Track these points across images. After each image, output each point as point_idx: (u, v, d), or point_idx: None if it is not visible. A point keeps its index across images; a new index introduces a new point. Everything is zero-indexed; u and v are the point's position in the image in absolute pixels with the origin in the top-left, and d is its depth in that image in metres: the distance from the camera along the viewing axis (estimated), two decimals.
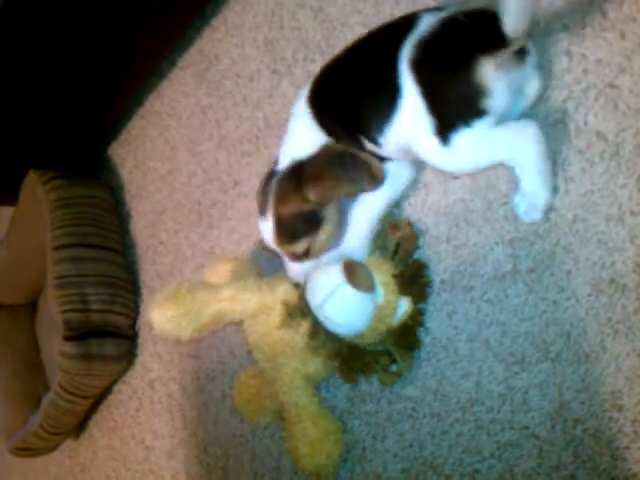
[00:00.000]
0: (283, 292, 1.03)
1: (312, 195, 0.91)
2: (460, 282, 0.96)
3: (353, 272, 0.92)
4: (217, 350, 1.35)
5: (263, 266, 1.22)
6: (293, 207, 0.93)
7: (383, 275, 0.96)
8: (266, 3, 1.31)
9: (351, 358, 0.98)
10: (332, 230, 0.97)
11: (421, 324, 0.98)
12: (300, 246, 0.96)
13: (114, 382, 1.65)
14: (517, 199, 0.89)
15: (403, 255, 0.98)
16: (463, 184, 0.96)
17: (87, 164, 1.76)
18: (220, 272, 1.15)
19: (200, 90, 1.47)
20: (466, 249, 0.96)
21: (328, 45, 1.18)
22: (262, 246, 1.03)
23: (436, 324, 0.98)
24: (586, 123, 0.84)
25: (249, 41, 1.35)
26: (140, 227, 1.64)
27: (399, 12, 1.04)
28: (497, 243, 0.92)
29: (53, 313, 1.48)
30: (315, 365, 1.05)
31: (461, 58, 0.79)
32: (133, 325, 1.58)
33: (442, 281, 0.98)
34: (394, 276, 0.96)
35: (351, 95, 0.91)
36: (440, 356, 0.97)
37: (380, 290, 0.95)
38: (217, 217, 1.40)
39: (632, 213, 0.80)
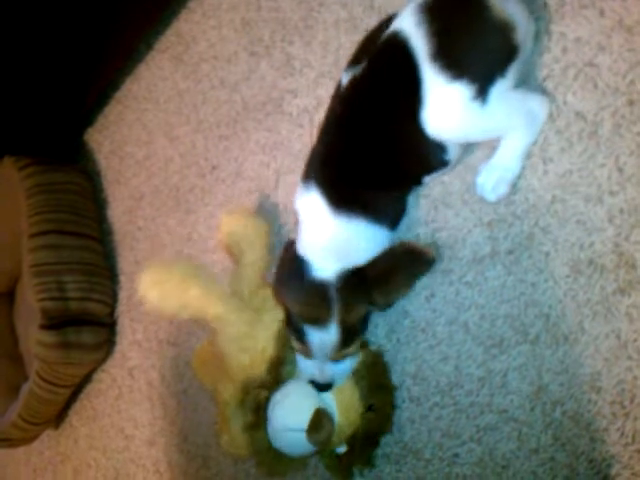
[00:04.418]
0: (264, 338, 1.03)
1: (379, 299, 0.89)
2: (439, 265, 0.95)
3: (318, 429, 0.92)
4: (196, 337, 1.33)
5: None
6: (360, 312, 0.90)
7: (343, 418, 0.96)
8: None
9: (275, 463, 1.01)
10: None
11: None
12: (353, 347, 0.93)
13: (93, 371, 1.63)
14: (481, 179, 0.88)
15: (368, 391, 0.97)
16: None
17: (63, 150, 1.73)
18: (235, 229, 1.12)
19: (177, 73, 1.44)
20: (445, 232, 0.95)
21: (306, 26, 1.16)
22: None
23: (415, 307, 0.98)
24: (565, 102, 0.83)
25: (226, 22, 1.32)
26: (118, 213, 1.61)
27: None
28: (475, 225, 0.91)
29: (30, 301, 1.45)
30: None
31: (472, 8, 0.77)
32: (111, 313, 1.56)
33: None
34: (347, 442, 0.98)
35: (384, 147, 0.87)
36: (419, 340, 0.97)
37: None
38: (195, 202, 1.38)
39: (611, 193, 0.79)
